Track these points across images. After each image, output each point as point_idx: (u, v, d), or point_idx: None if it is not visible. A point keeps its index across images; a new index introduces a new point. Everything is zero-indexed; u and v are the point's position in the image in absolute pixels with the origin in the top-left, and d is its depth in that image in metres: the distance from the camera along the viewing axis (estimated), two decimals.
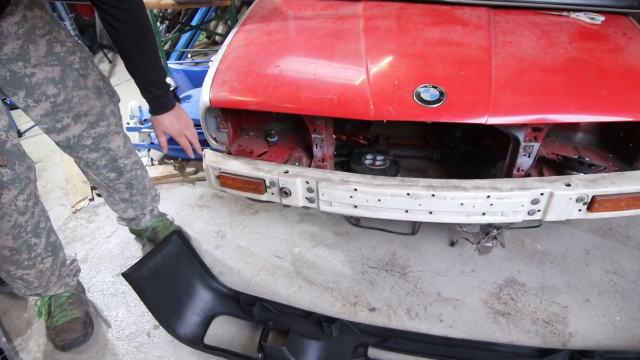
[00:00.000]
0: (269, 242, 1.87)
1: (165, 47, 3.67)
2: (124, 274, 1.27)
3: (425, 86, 1.31)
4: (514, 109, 1.27)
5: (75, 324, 1.45)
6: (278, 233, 1.91)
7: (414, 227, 1.86)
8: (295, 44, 1.59)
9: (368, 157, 1.74)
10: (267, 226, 1.95)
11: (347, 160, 1.76)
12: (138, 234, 1.85)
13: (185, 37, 3.78)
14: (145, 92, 1.27)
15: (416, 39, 1.50)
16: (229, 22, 4.39)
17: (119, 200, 1.65)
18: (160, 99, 1.29)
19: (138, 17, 1.14)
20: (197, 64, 3.45)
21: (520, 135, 1.39)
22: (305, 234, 1.90)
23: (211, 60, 2.97)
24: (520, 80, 1.33)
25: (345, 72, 1.42)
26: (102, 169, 1.50)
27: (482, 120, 1.26)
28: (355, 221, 1.92)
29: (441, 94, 1.29)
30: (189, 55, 3.74)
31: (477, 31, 1.53)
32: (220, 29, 4.20)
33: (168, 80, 2.71)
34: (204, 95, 1.48)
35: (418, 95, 1.30)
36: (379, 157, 1.74)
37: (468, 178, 1.37)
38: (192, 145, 1.44)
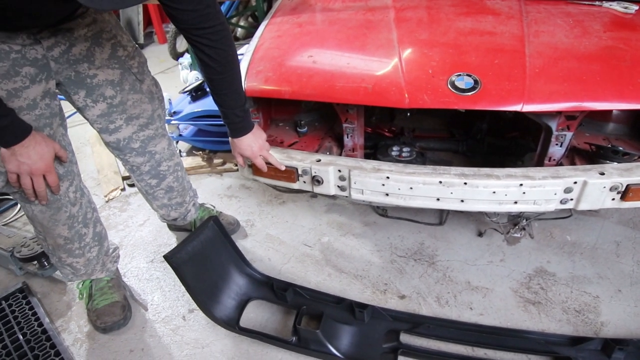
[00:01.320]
0: (297, 231, 1.90)
1: None
2: (165, 257, 1.31)
3: (460, 74, 1.33)
4: (549, 97, 1.27)
5: (115, 307, 1.51)
6: (306, 223, 1.94)
7: (442, 218, 1.87)
8: (326, 35, 1.61)
9: (394, 148, 1.76)
10: (295, 216, 1.98)
11: (373, 151, 1.78)
12: (186, 228, 1.87)
13: None
14: (225, 117, 1.32)
15: (448, 29, 1.51)
16: (250, 19, 4.45)
17: (157, 208, 1.69)
18: (239, 124, 1.34)
19: (228, 53, 1.20)
20: None
21: (553, 124, 1.39)
22: (333, 223, 1.92)
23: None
24: (555, 68, 1.33)
25: (378, 62, 1.44)
26: (145, 175, 1.54)
27: (517, 107, 1.27)
28: (383, 211, 1.93)
29: (476, 82, 1.30)
30: None
31: (509, 21, 1.53)
32: (242, 24, 4.26)
33: (195, 73, 2.77)
34: None
35: (452, 84, 1.31)
36: (405, 149, 1.75)
37: None
38: (268, 163, 1.45)
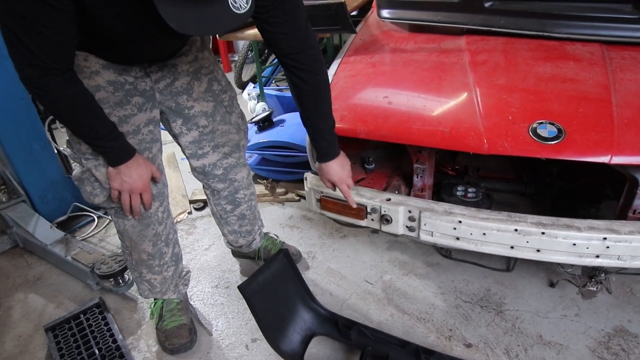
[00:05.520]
0: (358, 267, 1.89)
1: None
2: (239, 287, 1.34)
3: (542, 122, 1.30)
4: None
5: (183, 329, 1.56)
6: (367, 258, 1.93)
7: (509, 264, 1.80)
8: (401, 76, 1.64)
9: (459, 188, 1.74)
10: (357, 251, 1.98)
11: (437, 190, 1.76)
12: (249, 256, 1.92)
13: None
14: (313, 141, 1.36)
15: (527, 74, 1.50)
16: None
17: (227, 233, 1.75)
18: (327, 148, 1.36)
19: (320, 76, 1.25)
20: (281, 90, 3.62)
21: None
22: (394, 261, 1.91)
23: None
24: None
25: (455, 105, 1.45)
26: (222, 200, 1.62)
27: (605, 159, 1.22)
28: (447, 252, 1.89)
29: (559, 130, 1.28)
30: (273, 82, 3.92)
31: (592, 67, 1.49)
32: None
33: (263, 104, 2.89)
34: None
35: (534, 131, 1.29)
36: (470, 189, 1.73)
37: (563, 216, 1.32)
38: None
